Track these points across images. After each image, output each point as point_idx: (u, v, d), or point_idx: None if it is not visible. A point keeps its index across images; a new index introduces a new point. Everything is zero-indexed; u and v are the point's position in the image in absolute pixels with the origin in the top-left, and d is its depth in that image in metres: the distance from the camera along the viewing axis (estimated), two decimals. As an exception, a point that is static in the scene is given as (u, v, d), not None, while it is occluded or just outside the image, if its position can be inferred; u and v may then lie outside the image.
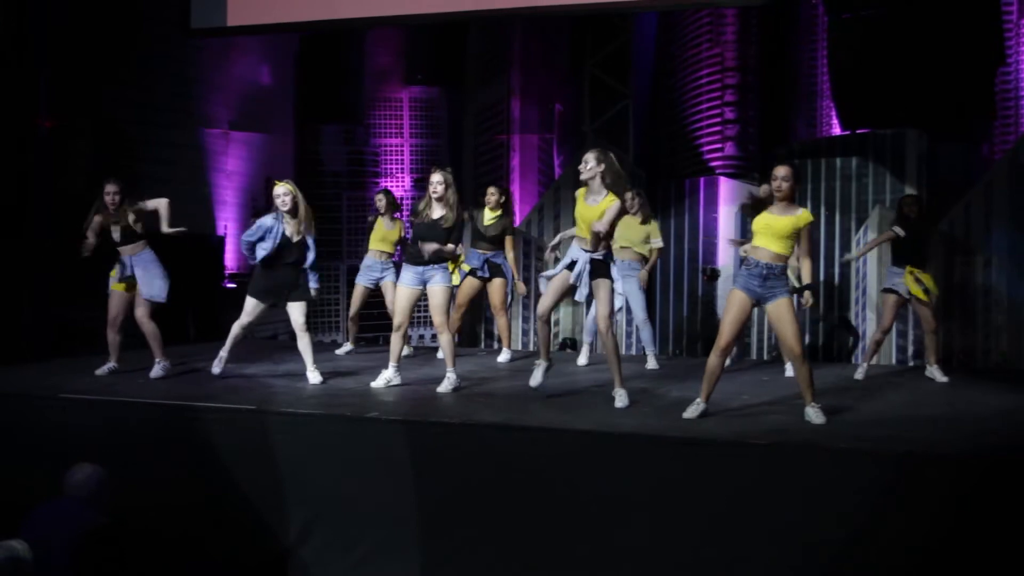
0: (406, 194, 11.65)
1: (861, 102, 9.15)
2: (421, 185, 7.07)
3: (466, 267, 7.27)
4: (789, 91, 11.22)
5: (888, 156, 9.46)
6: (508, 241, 7.41)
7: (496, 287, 7.44)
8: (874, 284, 9.45)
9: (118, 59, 8.99)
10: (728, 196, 11.05)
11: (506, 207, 7.52)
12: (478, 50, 11.76)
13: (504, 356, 7.58)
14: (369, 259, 7.86)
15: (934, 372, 6.70)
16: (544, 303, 5.81)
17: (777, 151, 10.49)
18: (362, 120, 11.84)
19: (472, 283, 7.43)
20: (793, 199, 5.21)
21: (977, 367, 8.87)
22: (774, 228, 5.15)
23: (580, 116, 11.43)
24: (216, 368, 6.64)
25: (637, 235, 7.20)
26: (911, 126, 9.37)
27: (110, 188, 6.54)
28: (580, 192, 5.74)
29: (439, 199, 6.11)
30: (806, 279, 5.20)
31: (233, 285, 10.48)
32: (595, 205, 5.60)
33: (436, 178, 6.11)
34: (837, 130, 10.21)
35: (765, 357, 10.04)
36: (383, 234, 7.76)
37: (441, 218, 6.11)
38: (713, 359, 5.27)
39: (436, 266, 6.15)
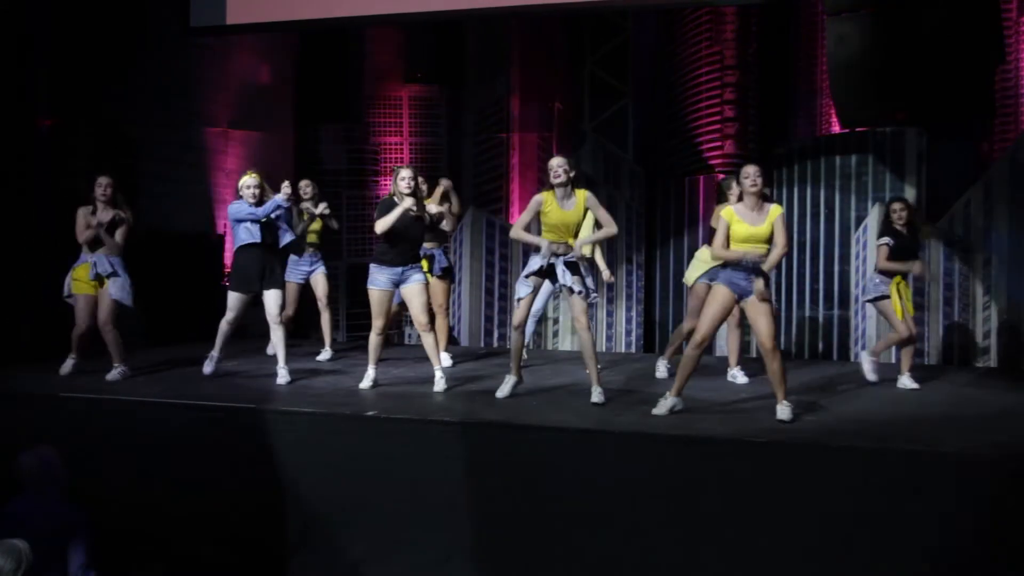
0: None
1: (860, 100, 9.12)
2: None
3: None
4: (789, 89, 11.20)
5: (888, 154, 9.45)
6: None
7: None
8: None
9: (118, 58, 8.98)
10: (728, 194, 11.00)
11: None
12: (478, 49, 11.72)
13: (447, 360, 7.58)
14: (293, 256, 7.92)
15: (906, 380, 6.55)
16: (520, 313, 5.84)
17: (776, 149, 10.47)
18: (361, 118, 11.81)
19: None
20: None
21: (977, 366, 8.86)
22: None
23: (580, 114, 11.41)
24: (208, 368, 6.67)
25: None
26: (910, 124, 9.35)
27: (103, 180, 6.71)
28: (547, 196, 5.80)
29: (412, 194, 6.23)
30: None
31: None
32: (573, 208, 5.78)
33: (407, 173, 6.24)
34: (837, 128, 10.19)
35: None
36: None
37: (418, 210, 6.23)
38: (691, 352, 5.39)
39: (410, 266, 6.21)
